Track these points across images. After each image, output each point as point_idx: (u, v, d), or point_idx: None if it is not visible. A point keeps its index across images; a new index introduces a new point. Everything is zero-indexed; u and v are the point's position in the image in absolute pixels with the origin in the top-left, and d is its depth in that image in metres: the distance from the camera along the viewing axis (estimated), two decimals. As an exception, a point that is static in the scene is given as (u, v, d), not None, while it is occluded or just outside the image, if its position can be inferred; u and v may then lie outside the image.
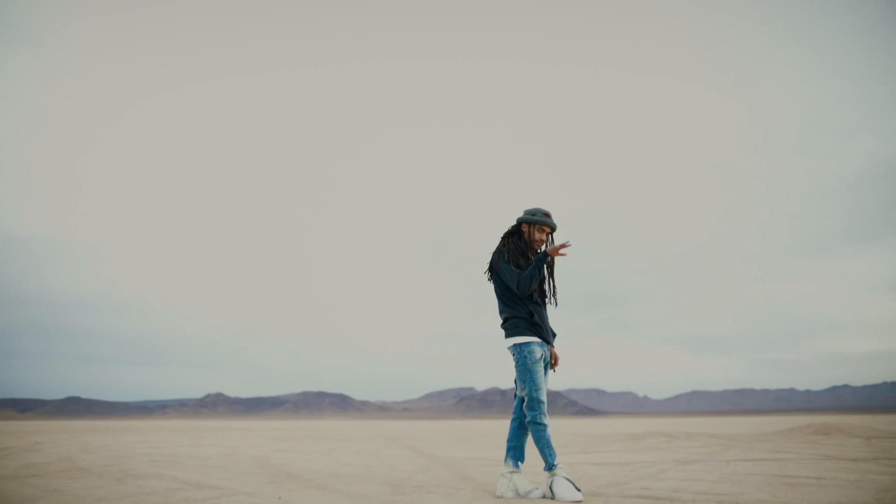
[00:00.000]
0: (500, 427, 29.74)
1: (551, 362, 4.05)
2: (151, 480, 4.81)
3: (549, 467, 3.76)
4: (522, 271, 3.91)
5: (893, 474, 4.87)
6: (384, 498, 3.79)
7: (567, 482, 3.64)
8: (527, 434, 4.01)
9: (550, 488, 3.68)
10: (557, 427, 28.39)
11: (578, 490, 3.62)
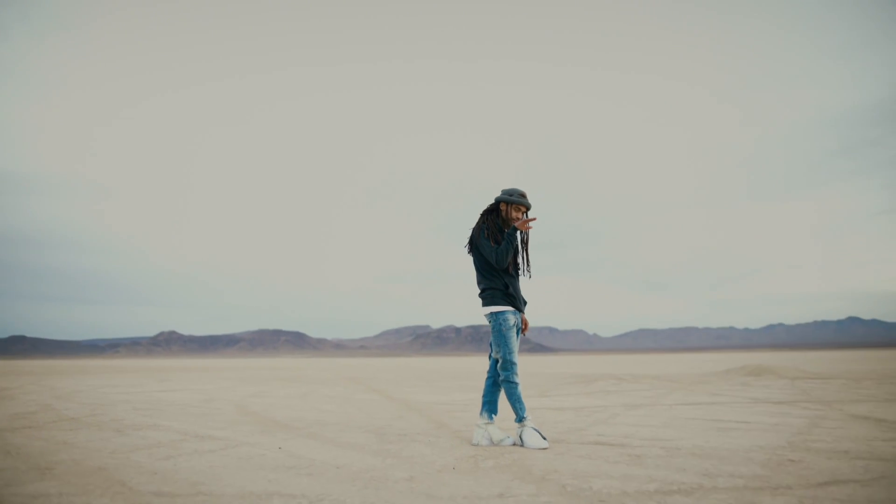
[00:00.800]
0: (457, 365, 30.90)
1: (523, 328, 4.56)
2: (151, 431, 5.19)
3: (520, 419, 4.30)
4: (500, 247, 4.36)
5: (808, 417, 5.65)
6: (374, 447, 4.28)
7: (535, 432, 4.20)
8: (500, 390, 4.54)
9: (520, 437, 4.24)
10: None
11: (544, 438, 4.19)
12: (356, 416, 6.42)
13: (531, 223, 4.36)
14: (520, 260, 4.56)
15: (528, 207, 4.50)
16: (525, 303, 4.60)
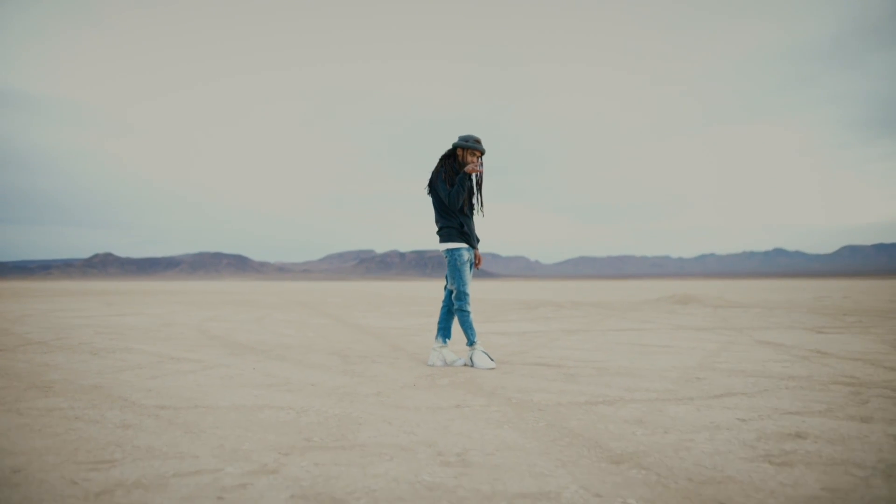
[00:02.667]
0: (402, 289, 31.79)
1: (476, 262, 5.05)
2: (126, 354, 5.51)
3: (470, 343, 4.86)
4: (453, 189, 4.78)
5: (720, 342, 6.47)
6: (340, 367, 4.77)
7: (483, 354, 4.78)
8: (453, 318, 5.07)
9: (471, 359, 4.81)
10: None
11: (492, 360, 4.77)
12: (316, 340, 6.89)
13: (481, 167, 4.79)
14: (474, 201, 5.00)
15: (482, 152, 4.89)
16: (478, 240, 5.08)
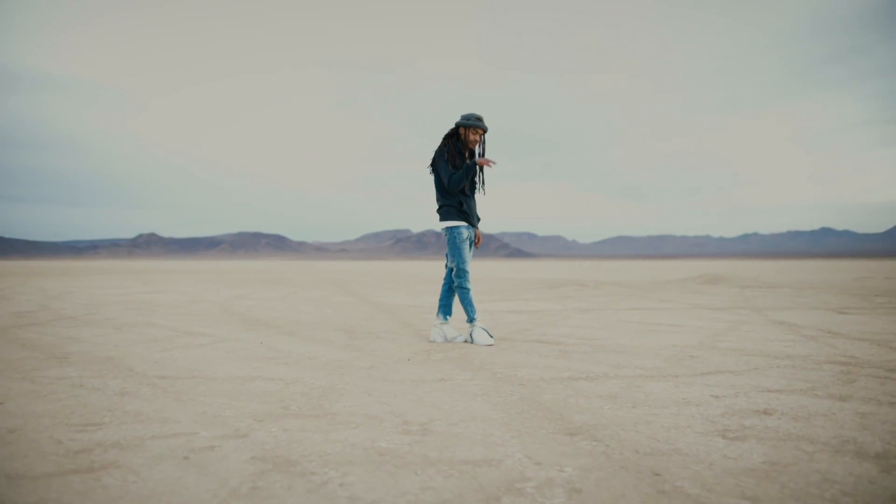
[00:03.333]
0: (436, 269, 32.04)
1: (475, 241, 5.12)
2: (146, 328, 5.78)
3: (470, 320, 4.94)
4: (458, 170, 4.82)
5: (732, 322, 6.41)
6: (344, 342, 4.92)
7: (482, 331, 4.86)
8: (454, 295, 5.15)
9: (470, 335, 4.90)
10: (489, 270, 30.93)
11: (491, 337, 4.85)
12: (331, 317, 7.07)
13: (492, 163, 4.81)
14: (477, 180, 5.04)
15: (484, 130, 4.92)
16: (478, 219, 5.13)
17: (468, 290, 4.95)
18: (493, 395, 2.99)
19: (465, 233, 4.94)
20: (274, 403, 2.80)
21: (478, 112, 4.96)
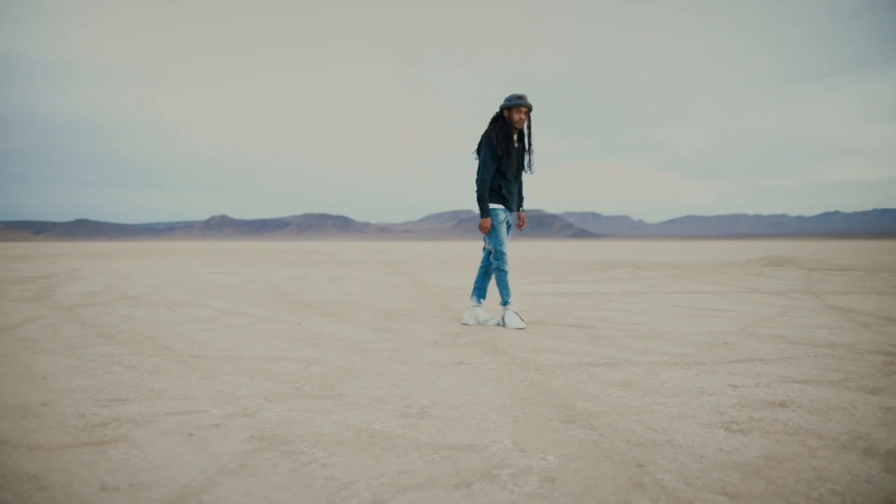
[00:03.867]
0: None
1: (518, 223, 5.08)
2: (196, 308, 6.07)
3: (504, 303, 4.94)
4: (503, 153, 4.78)
5: (784, 307, 6.13)
6: (378, 324, 5.02)
7: (515, 315, 4.85)
8: (490, 278, 5.15)
9: (503, 318, 4.89)
10: (547, 251, 30.53)
11: (523, 321, 4.84)
12: (374, 299, 7.20)
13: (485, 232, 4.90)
14: (526, 163, 4.98)
15: (528, 108, 4.84)
16: (521, 201, 5.09)
17: (506, 272, 4.95)
18: (504, 379, 2.99)
19: (503, 215, 4.91)
20: (289, 383, 2.90)
21: (521, 91, 4.92)
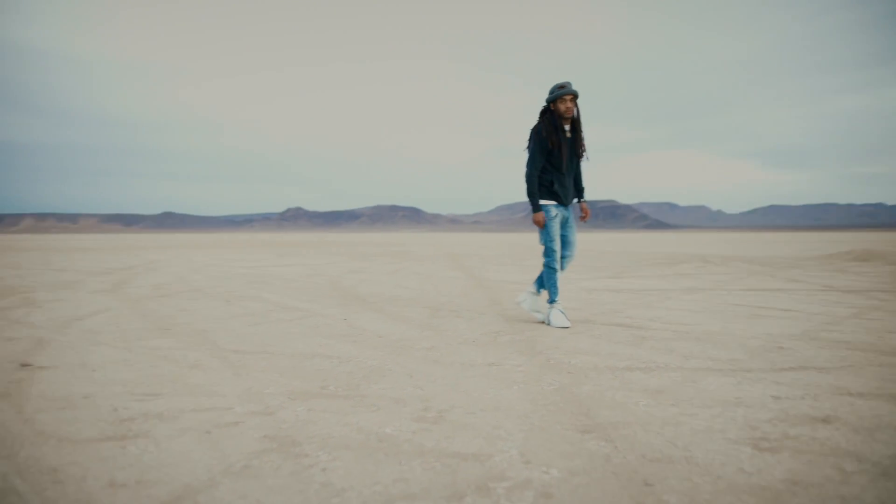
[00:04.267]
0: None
1: (581, 215, 4.99)
2: (252, 302, 6.28)
3: (551, 301, 4.84)
4: (553, 146, 4.69)
5: (858, 307, 5.70)
6: (423, 321, 5.03)
7: (560, 313, 4.75)
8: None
9: (548, 317, 4.80)
10: (616, 243, 29.64)
11: (568, 320, 4.72)
12: (427, 293, 7.22)
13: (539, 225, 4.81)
14: (581, 151, 4.86)
15: (573, 95, 4.69)
16: (579, 194, 5.00)
17: (555, 269, 4.85)
18: (532, 383, 2.92)
19: (554, 211, 4.81)
20: (316, 382, 2.95)
21: (565, 80, 4.82)
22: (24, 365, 3.27)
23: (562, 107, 4.69)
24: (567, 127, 4.76)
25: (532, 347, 3.84)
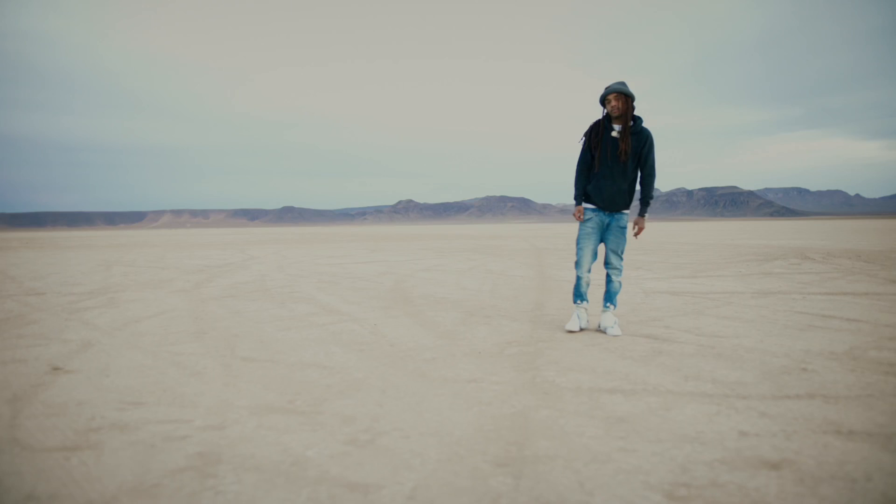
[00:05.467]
0: (675, 232, 29.65)
1: (635, 231, 4.79)
2: (301, 304, 6.57)
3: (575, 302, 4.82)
4: (593, 147, 4.69)
5: (946, 318, 5.02)
6: (448, 327, 5.04)
7: (575, 317, 4.79)
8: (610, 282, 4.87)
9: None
10: (727, 233, 27.61)
11: (577, 324, 4.76)
12: (478, 295, 7.20)
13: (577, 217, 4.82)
14: (619, 154, 4.66)
15: (615, 92, 4.57)
16: (624, 202, 4.75)
17: (577, 276, 4.81)
18: (496, 405, 2.87)
19: (588, 215, 4.78)
20: (289, 395, 3.07)
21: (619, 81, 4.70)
22: (54, 369, 3.66)
23: (608, 108, 4.63)
24: (617, 128, 4.62)
25: (532, 362, 3.75)
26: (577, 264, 4.78)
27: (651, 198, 4.83)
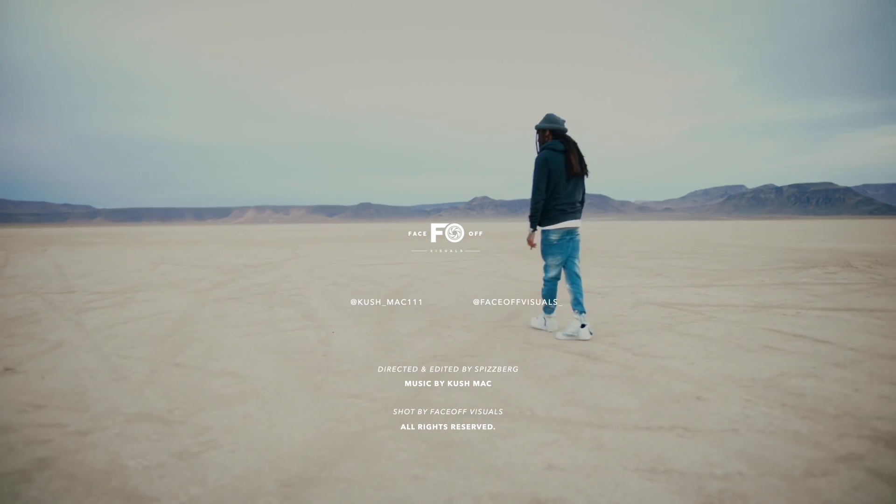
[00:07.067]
0: (763, 230, 28.00)
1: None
2: (291, 308, 6.83)
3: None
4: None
5: (928, 343, 4.65)
6: (404, 334, 5.14)
7: (540, 318, 5.38)
8: (572, 284, 5.09)
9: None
10: (786, 237, 25.80)
11: (543, 322, 5.29)
12: (467, 302, 7.22)
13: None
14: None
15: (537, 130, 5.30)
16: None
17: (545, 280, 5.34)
18: (349, 423, 2.97)
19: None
20: (176, 403, 3.29)
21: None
22: (6, 369, 4.06)
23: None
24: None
25: (437, 376, 3.81)
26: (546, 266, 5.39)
27: (530, 214, 5.09)
